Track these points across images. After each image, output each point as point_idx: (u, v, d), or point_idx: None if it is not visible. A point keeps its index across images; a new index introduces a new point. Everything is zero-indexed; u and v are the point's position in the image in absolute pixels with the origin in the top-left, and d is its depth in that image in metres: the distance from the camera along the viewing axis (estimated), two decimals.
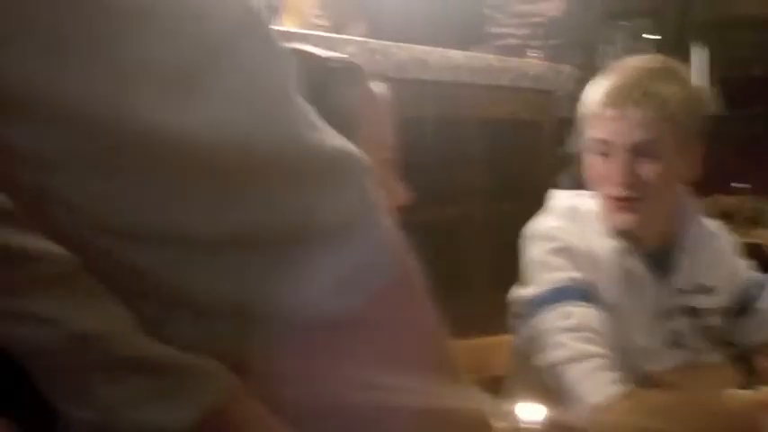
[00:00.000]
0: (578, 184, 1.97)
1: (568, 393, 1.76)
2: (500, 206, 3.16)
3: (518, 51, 3.54)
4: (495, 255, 2.91)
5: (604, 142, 1.85)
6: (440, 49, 2.81)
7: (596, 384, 1.73)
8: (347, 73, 1.37)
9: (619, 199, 1.85)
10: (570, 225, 1.93)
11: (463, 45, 3.19)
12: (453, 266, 2.97)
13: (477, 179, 3.15)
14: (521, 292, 1.94)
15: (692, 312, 1.94)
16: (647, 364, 1.88)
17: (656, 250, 1.93)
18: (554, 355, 1.80)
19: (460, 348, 1.97)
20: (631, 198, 1.85)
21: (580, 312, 1.80)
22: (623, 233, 1.90)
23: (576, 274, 1.86)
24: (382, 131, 1.39)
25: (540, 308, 1.85)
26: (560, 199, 2.01)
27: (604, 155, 1.86)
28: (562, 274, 1.86)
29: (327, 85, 1.32)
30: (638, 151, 1.83)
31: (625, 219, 1.87)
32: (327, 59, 1.37)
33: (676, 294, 1.93)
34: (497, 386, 2.06)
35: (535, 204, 2.09)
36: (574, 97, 2.01)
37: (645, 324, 1.90)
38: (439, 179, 2.87)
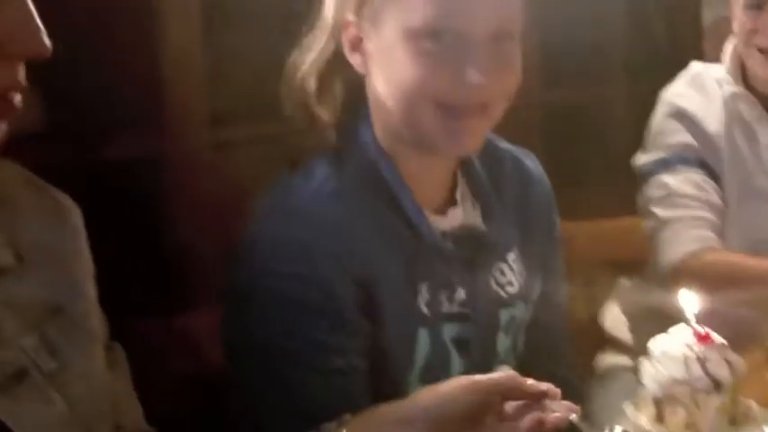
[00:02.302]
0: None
1: (659, 259, 1.87)
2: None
3: None
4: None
5: None
6: None
7: (674, 245, 1.84)
8: None
9: None
10: (691, 90, 1.97)
11: None
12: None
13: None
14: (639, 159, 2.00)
15: None
16: None
17: None
18: (648, 225, 1.92)
19: (603, 230, 1.98)
20: None
21: (678, 179, 1.89)
22: (753, 89, 1.94)
23: (686, 139, 1.92)
24: None
25: (647, 176, 1.95)
26: (691, 66, 2.04)
27: (757, 8, 1.87)
28: (673, 138, 1.93)
29: None
30: None
31: None
32: None
33: None
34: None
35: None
36: None
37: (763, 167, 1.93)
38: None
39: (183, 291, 1.80)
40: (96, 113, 1.78)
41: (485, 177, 1.42)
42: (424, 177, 1.35)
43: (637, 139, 2.03)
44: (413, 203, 1.31)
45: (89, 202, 1.17)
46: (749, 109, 1.94)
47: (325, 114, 1.33)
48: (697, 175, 1.90)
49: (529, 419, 1.08)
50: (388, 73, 1.28)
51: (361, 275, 1.24)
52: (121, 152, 1.76)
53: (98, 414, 1.05)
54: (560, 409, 1.11)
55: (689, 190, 1.90)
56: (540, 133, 2.37)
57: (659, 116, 1.99)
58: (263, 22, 2.00)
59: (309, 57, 1.34)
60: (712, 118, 1.94)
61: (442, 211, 1.37)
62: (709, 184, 1.90)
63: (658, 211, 1.91)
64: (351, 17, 1.29)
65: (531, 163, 1.52)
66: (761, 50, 1.89)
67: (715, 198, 1.90)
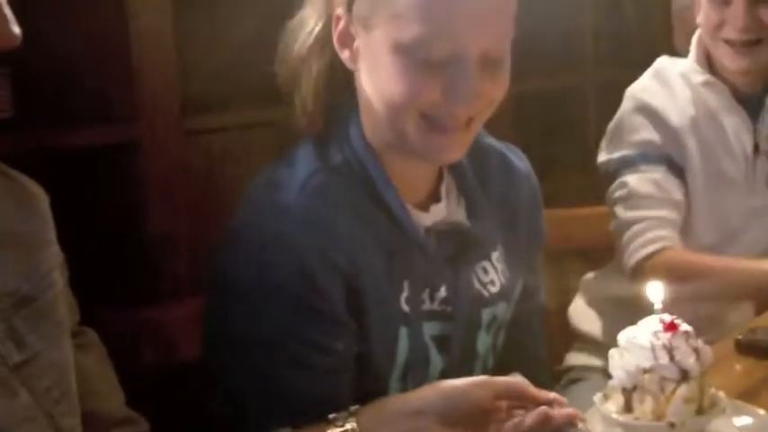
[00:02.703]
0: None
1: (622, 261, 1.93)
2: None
3: None
4: None
5: None
6: None
7: (634, 247, 1.90)
8: None
9: (737, 43, 1.90)
10: (655, 84, 2.00)
11: None
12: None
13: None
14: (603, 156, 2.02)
15: None
16: (747, 198, 1.97)
17: (749, 94, 1.99)
18: (612, 224, 1.97)
19: (574, 217, 1.99)
20: (751, 42, 1.90)
21: (639, 179, 1.93)
22: (720, 78, 1.97)
23: (648, 135, 1.95)
24: None
25: (612, 175, 1.98)
26: (657, 61, 2.07)
27: (724, 3, 1.89)
28: (636, 135, 1.96)
29: None
30: None
31: (743, 62, 1.93)
32: None
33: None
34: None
35: None
36: None
37: (736, 160, 1.96)
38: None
39: (153, 281, 1.79)
40: (65, 100, 1.76)
41: (471, 173, 1.40)
42: (410, 174, 1.34)
43: (605, 127, 2.04)
44: (397, 200, 1.29)
45: (59, 190, 1.16)
46: (717, 97, 1.97)
47: (306, 99, 1.31)
48: (658, 174, 1.94)
49: (535, 414, 1.10)
50: (375, 79, 1.26)
51: (346, 273, 1.22)
52: (91, 139, 1.74)
53: (65, 404, 1.04)
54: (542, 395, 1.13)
55: (649, 189, 1.93)
56: (512, 122, 2.38)
57: (624, 111, 2.01)
58: (236, 8, 1.99)
59: (300, 40, 1.32)
60: (676, 111, 1.96)
61: (425, 206, 1.35)
62: (670, 182, 1.94)
63: (620, 211, 1.95)
64: (340, 12, 1.27)
65: (519, 160, 1.50)
66: (727, 42, 1.91)
67: (676, 195, 1.94)
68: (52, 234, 1.10)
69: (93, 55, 1.77)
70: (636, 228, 1.91)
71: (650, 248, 1.89)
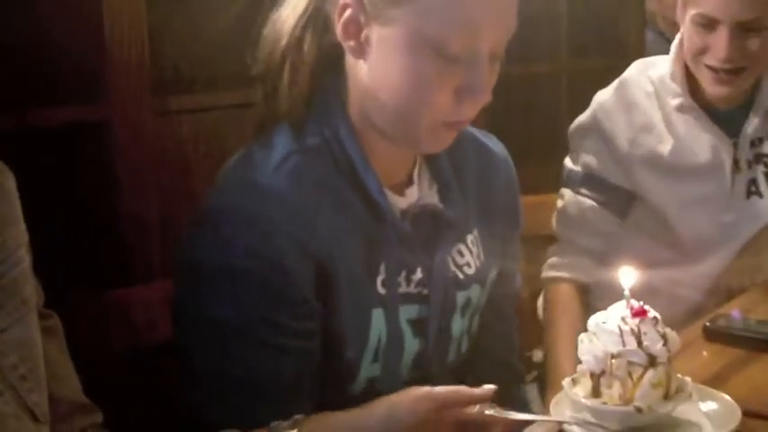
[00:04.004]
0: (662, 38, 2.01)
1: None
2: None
3: None
4: None
5: (710, 18, 1.81)
6: None
7: (546, 264, 2.01)
8: None
9: (719, 71, 1.84)
10: (617, 104, 1.95)
11: None
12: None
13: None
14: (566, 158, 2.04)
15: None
16: (722, 214, 1.93)
17: (727, 111, 1.94)
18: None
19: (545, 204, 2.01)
20: (733, 70, 1.83)
21: (573, 200, 1.98)
22: (697, 95, 1.91)
23: (594, 161, 1.95)
24: None
25: (563, 182, 2.02)
26: (630, 68, 2.02)
27: (708, 27, 1.82)
28: (584, 157, 1.97)
29: None
30: (745, 26, 1.80)
31: (723, 90, 1.87)
32: None
33: (748, 147, 1.94)
34: None
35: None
36: None
37: (711, 179, 1.92)
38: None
39: (124, 263, 1.78)
40: (35, 78, 1.75)
41: (445, 158, 1.41)
42: (389, 158, 1.34)
43: (578, 114, 2.04)
44: (376, 183, 1.29)
45: (28, 170, 1.15)
46: (693, 120, 1.92)
47: (293, 81, 1.29)
48: (593, 201, 1.97)
49: None
50: (387, 72, 1.24)
51: (319, 256, 1.22)
52: (61, 118, 1.72)
53: (32, 381, 1.04)
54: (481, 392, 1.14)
55: (576, 213, 1.98)
56: (485, 109, 2.38)
57: (583, 121, 2.00)
58: None
59: (285, 20, 1.30)
60: (629, 141, 1.92)
61: (400, 190, 1.36)
62: (600, 213, 1.96)
63: (554, 221, 2.03)
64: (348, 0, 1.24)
65: (495, 146, 1.52)
66: (709, 68, 1.85)
67: (602, 227, 1.97)
68: (18, 212, 1.08)
69: (64, 33, 1.76)
70: (554, 247, 2.02)
71: (551, 273, 1.98)
